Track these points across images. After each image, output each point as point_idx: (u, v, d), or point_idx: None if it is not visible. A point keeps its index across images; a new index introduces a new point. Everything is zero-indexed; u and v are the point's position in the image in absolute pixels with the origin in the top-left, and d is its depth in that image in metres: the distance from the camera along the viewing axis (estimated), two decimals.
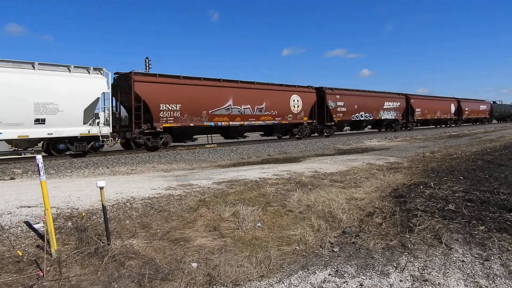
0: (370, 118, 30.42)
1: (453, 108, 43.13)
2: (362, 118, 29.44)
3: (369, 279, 3.71)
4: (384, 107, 31.82)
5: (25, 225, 4.66)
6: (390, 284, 3.59)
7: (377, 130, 33.94)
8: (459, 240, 4.59)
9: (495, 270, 3.78)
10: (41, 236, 4.40)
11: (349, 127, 30.66)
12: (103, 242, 4.38)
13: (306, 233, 5.05)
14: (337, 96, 26.61)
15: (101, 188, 4.40)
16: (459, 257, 4.13)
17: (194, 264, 4.13)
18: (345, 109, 27.26)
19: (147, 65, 40.92)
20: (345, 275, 3.81)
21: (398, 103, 33.70)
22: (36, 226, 4.64)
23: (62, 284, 3.63)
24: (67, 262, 4.00)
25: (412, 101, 35.50)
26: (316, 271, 3.93)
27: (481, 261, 3.99)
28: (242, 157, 14.57)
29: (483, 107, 51.67)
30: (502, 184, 7.51)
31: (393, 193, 7.11)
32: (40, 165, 4.10)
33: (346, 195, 6.87)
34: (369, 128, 33.91)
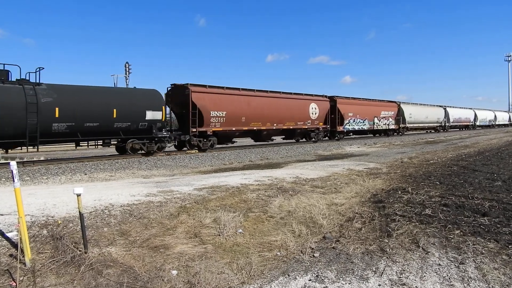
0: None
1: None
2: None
3: (349, 283, 3.76)
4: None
5: None
6: None
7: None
8: (436, 244, 4.70)
9: (469, 273, 3.89)
10: (14, 245, 4.25)
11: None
12: (80, 250, 4.27)
13: (287, 239, 5.07)
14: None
15: (78, 195, 4.31)
16: (435, 260, 4.23)
17: (174, 272, 4.08)
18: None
19: (127, 69, 40.39)
20: (325, 280, 3.84)
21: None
22: (9, 234, 4.49)
23: None
24: (42, 271, 3.88)
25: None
26: (297, 277, 3.95)
27: (456, 265, 4.10)
28: (223, 163, 14.53)
29: None
30: (476, 189, 7.76)
31: (372, 199, 7.23)
32: (14, 171, 3.98)
33: (327, 201, 6.94)
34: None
